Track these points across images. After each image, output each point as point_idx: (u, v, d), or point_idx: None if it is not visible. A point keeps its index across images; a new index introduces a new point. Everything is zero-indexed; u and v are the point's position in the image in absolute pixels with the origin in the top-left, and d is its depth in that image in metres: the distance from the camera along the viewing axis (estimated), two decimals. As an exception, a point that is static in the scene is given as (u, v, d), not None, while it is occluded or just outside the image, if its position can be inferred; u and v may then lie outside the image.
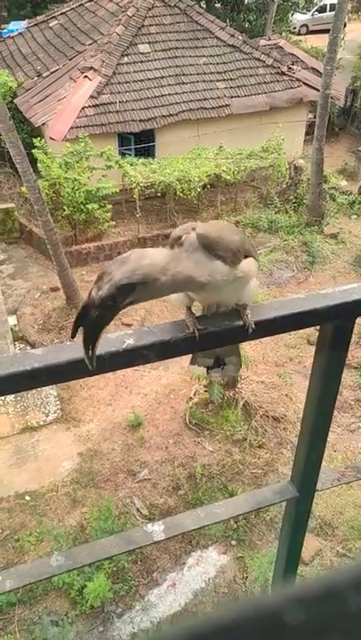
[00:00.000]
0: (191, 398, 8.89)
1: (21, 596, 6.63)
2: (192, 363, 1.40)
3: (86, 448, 8.38)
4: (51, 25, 17.12)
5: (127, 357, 1.02)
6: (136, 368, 8.96)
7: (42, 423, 8.76)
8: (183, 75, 14.33)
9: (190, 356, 1.40)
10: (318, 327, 1.27)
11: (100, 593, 6.58)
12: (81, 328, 0.99)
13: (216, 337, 1.13)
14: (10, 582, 1.33)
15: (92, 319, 0.99)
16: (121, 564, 6.93)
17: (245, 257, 1.18)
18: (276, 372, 9.67)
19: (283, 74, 15.02)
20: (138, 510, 7.61)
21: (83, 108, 12.99)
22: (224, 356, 1.40)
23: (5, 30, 18.65)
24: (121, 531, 6.68)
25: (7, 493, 7.75)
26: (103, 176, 11.91)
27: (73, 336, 1.00)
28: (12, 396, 8.87)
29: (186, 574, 7.10)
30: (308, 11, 26.97)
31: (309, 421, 1.37)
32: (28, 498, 7.71)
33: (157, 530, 1.45)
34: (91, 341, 0.99)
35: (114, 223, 12.42)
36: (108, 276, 1.00)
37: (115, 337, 1.02)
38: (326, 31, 14.28)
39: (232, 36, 15.22)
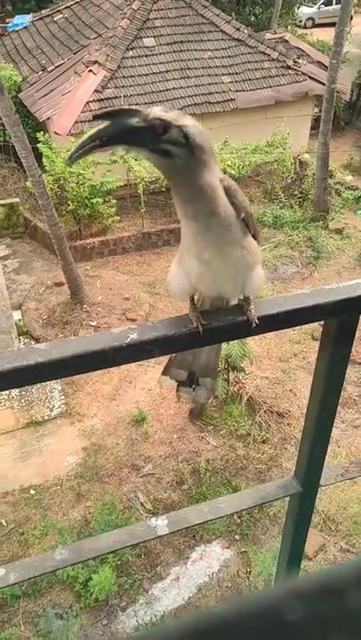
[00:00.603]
0: (195, 393, 8.89)
1: (26, 588, 6.67)
2: (164, 373, 1.36)
3: (90, 443, 8.41)
4: (55, 19, 17.08)
5: (131, 352, 1.01)
6: (140, 363, 8.97)
7: (46, 418, 8.79)
8: (188, 69, 14.27)
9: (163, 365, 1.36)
10: (322, 322, 1.26)
11: (105, 586, 6.61)
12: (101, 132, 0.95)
13: (220, 332, 1.13)
14: (14, 575, 1.34)
15: (126, 124, 0.95)
16: (125, 557, 6.97)
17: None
18: (281, 367, 9.67)
19: (288, 68, 14.93)
20: (142, 505, 7.64)
21: (87, 103, 12.96)
22: (200, 374, 1.34)
23: (10, 24, 18.60)
24: (125, 525, 6.71)
25: (12, 487, 7.79)
26: (108, 171, 11.90)
27: (96, 118, 0.96)
28: (17, 390, 8.90)
29: (189, 568, 7.13)
30: (315, 4, 26.78)
31: (313, 417, 1.37)
32: (32, 492, 7.75)
33: (161, 524, 1.45)
34: (98, 138, 0.95)
35: (118, 218, 12.42)
36: (181, 113, 0.99)
37: (118, 332, 1.02)
38: (333, 24, 14.17)
39: (237, 29, 15.13)
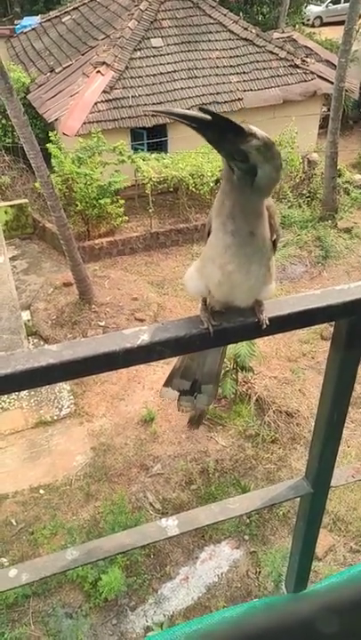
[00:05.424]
0: (204, 393, 8.88)
1: (36, 588, 6.70)
2: (166, 385, 1.36)
3: (99, 442, 8.43)
4: (63, 20, 17.13)
5: (142, 354, 1.01)
6: (149, 363, 8.96)
7: (55, 418, 8.82)
8: (196, 69, 14.26)
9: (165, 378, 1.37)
10: (333, 323, 1.26)
11: (114, 586, 6.62)
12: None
13: (230, 333, 1.12)
14: (26, 575, 1.35)
15: (224, 137, 0.99)
16: (134, 557, 6.97)
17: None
18: (289, 367, 9.64)
19: (296, 67, 14.89)
20: (151, 504, 7.64)
21: (95, 104, 12.99)
22: (203, 382, 1.36)
23: (19, 26, 18.68)
24: (134, 525, 6.72)
25: (21, 487, 7.82)
26: (116, 171, 11.92)
27: (202, 109, 0.98)
28: (26, 390, 8.93)
29: (199, 568, 7.12)
30: (323, 2, 26.66)
31: (324, 417, 1.36)
32: (42, 492, 7.78)
33: (171, 525, 1.45)
34: (195, 122, 0.97)
35: (127, 218, 12.43)
36: (276, 154, 1.03)
37: (129, 333, 1.02)
38: (341, 23, 14.10)
39: (245, 29, 15.10)
